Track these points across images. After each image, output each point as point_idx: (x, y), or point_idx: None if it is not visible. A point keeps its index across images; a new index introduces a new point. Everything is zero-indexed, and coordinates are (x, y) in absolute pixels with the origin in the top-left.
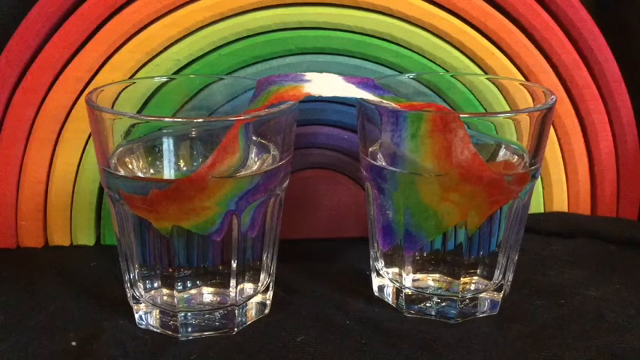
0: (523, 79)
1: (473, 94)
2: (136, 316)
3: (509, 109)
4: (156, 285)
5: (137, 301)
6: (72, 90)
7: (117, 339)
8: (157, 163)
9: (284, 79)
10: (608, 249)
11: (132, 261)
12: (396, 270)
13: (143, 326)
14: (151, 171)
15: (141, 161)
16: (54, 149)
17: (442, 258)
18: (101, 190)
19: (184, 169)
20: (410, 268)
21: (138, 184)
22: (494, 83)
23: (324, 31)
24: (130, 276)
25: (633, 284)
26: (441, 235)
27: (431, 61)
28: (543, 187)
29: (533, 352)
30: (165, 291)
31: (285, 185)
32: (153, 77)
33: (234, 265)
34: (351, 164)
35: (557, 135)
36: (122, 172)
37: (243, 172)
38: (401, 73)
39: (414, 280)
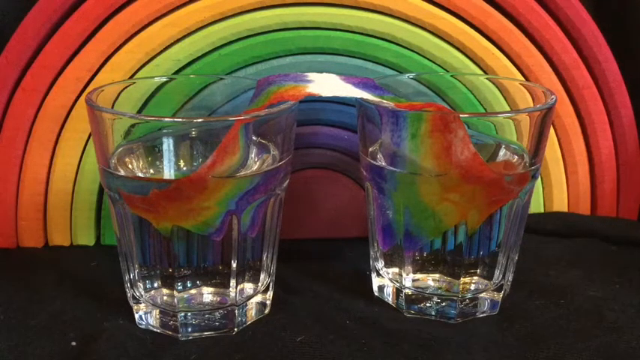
0: (523, 79)
1: (473, 94)
2: (136, 316)
3: (509, 109)
4: (156, 285)
5: (137, 301)
6: (72, 90)
7: (117, 339)
8: (157, 163)
9: (284, 79)
10: (608, 249)
11: (132, 261)
12: (396, 270)
13: (143, 326)
14: (151, 171)
15: (141, 161)
16: (54, 149)
17: (442, 258)
18: (101, 190)
19: (184, 169)
20: (410, 268)
21: (138, 184)
22: (494, 83)
23: (324, 31)
24: (130, 276)
25: (633, 284)
26: (441, 235)
27: (431, 61)
28: (543, 187)
29: (533, 352)
30: (165, 291)
31: (285, 185)
32: (153, 77)
33: (234, 265)
34: (351, 164)
35: (557, 135)
36: (122, 172)
37: (243, 172)
38: (401, 73)
39: (414, 280)
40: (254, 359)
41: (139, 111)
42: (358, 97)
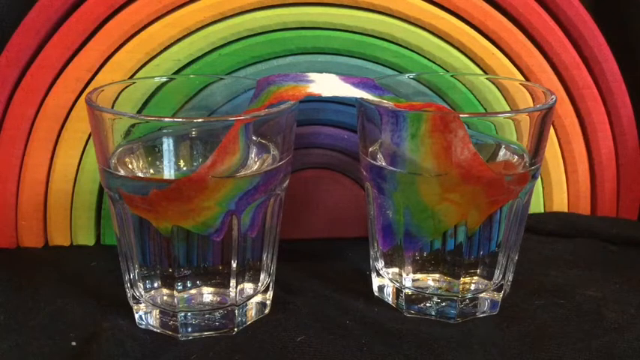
0: (523, 79)
1: (473, 94)
2: (136, 316)
3: (509, 109)
4: (156, 285)
5: (137, 301)
6: (72, 90)
7: (117, 339)
8: (157, 163)
9: (284, 79)
10: (608, 249)
11: (132, 261)
12: (396, 270)
13: (143, 326)
14: (151, 171)
15: (141, 161)
16: (54, 149)
17: (442, 258)
18: (101, 190)
19: (184, 169)
20: (410, 268)
21: (138, 184)
22: (494, 83)
23: (324, 31)
24: (130, 276)
25: (633, 284)
26: (441, 235)
27: (431, 61)
28: (543, 187)
29: (533, 352)
30: (165, 291)
31: (285, 185)
32: (153, 77)
33: (234, 265)
34: (351, 164)
35: (557, 135)
36: (122, 172)
37: (243, 172)
38: (401, 73)
39: (414, 280)
40: (254, 359)
41: (139, 111)
42: (358, 97)
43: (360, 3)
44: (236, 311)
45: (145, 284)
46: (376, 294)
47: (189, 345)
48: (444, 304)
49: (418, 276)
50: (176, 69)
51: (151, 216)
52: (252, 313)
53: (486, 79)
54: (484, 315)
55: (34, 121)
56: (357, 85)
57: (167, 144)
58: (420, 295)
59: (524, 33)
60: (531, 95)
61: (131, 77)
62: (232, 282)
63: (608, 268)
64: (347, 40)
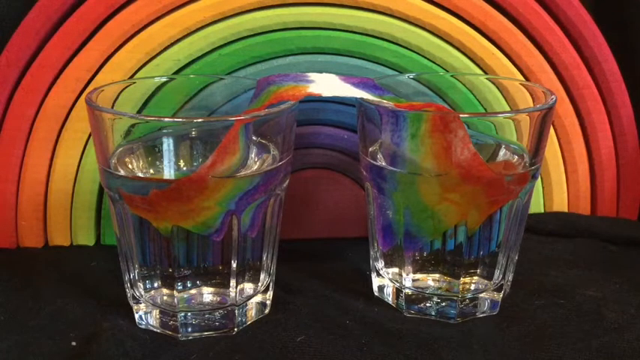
0: (523, 79)
1: (473, 94)
2: (136, 316)
3: (509, 109)
4: (156, 285)
5: (137, 301)
6: (72, 90)
7: (117, 339)
8: (157, 163)
9: (284, 79)
10: (608, 249)
11: (132, 261)
12: (396, 270)
13: (143, 326)
14: (151, 171)
15: (141, 161)
16: (54, 149)
17: (442, 258)
18: (101, 190)
19: (184, 169)
20: (410, 268)
21: (138, 184)
22: (494, 83)
23: (324, 31)
24: (130, 276)
25: (633, 284)
26: (441, 235)
27: (431, 61)
28: (543, 187)
29: (533, 352)
30: (165, 291)
31: (285, 185)
32: (153, 77)
33: (234, 265)
34: (351, 164)
35: (557, 135)
36: (122, 172)
37: (243, 172)
38: (401, 73)
39: (414, 280)
40: (254, 359)
41: (139, 111)
42: (358, 97)
43: (360, 3)
44: (236, 311)
45: (145, 284)
46: (376, 294)
47: (189, 345)
48: (444, 304)
49: (418, 276)
50: (176, 69)
51: (150, 216)
52: (252, 313)
53: (486, 79)
54: (484, 315)
55: (34, 121)
56: (357, 85)
57: (167, 144)
58: (420, 295)
59: (524, 33)
60: (531, 95)
61: (131, 77)
62: (232, 282)
63: (608, 268)
64: (347, 40)
